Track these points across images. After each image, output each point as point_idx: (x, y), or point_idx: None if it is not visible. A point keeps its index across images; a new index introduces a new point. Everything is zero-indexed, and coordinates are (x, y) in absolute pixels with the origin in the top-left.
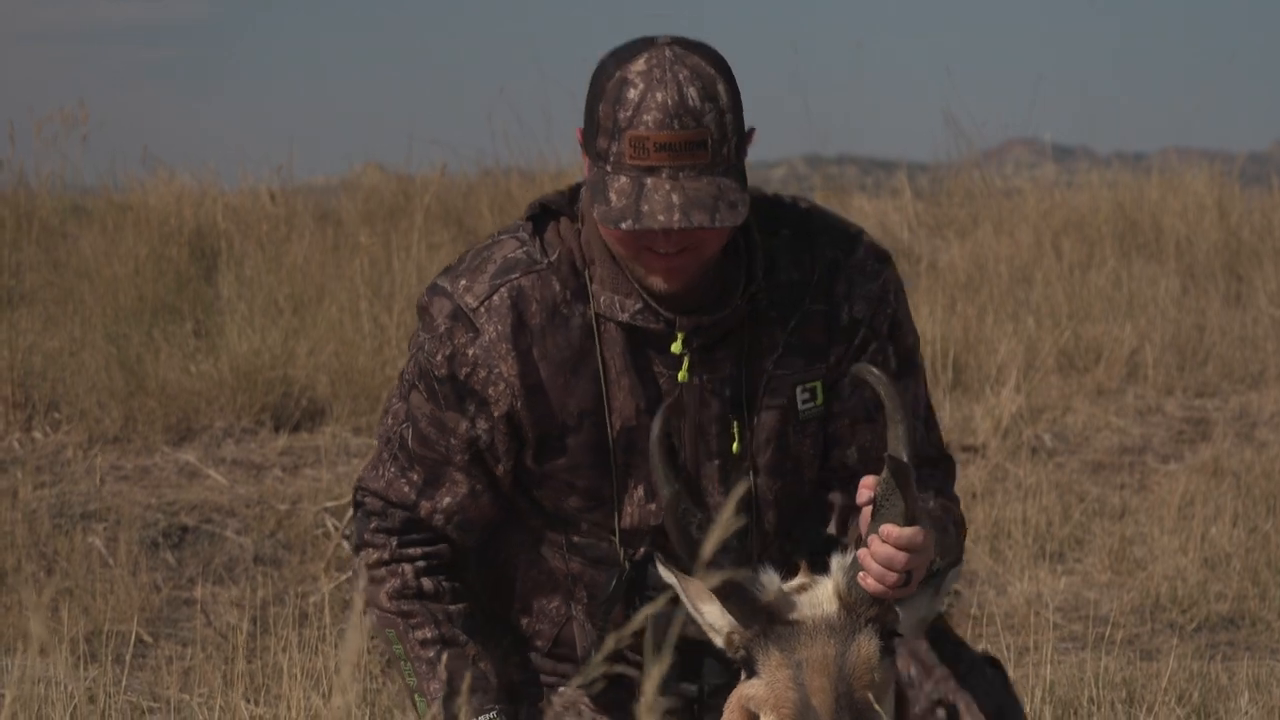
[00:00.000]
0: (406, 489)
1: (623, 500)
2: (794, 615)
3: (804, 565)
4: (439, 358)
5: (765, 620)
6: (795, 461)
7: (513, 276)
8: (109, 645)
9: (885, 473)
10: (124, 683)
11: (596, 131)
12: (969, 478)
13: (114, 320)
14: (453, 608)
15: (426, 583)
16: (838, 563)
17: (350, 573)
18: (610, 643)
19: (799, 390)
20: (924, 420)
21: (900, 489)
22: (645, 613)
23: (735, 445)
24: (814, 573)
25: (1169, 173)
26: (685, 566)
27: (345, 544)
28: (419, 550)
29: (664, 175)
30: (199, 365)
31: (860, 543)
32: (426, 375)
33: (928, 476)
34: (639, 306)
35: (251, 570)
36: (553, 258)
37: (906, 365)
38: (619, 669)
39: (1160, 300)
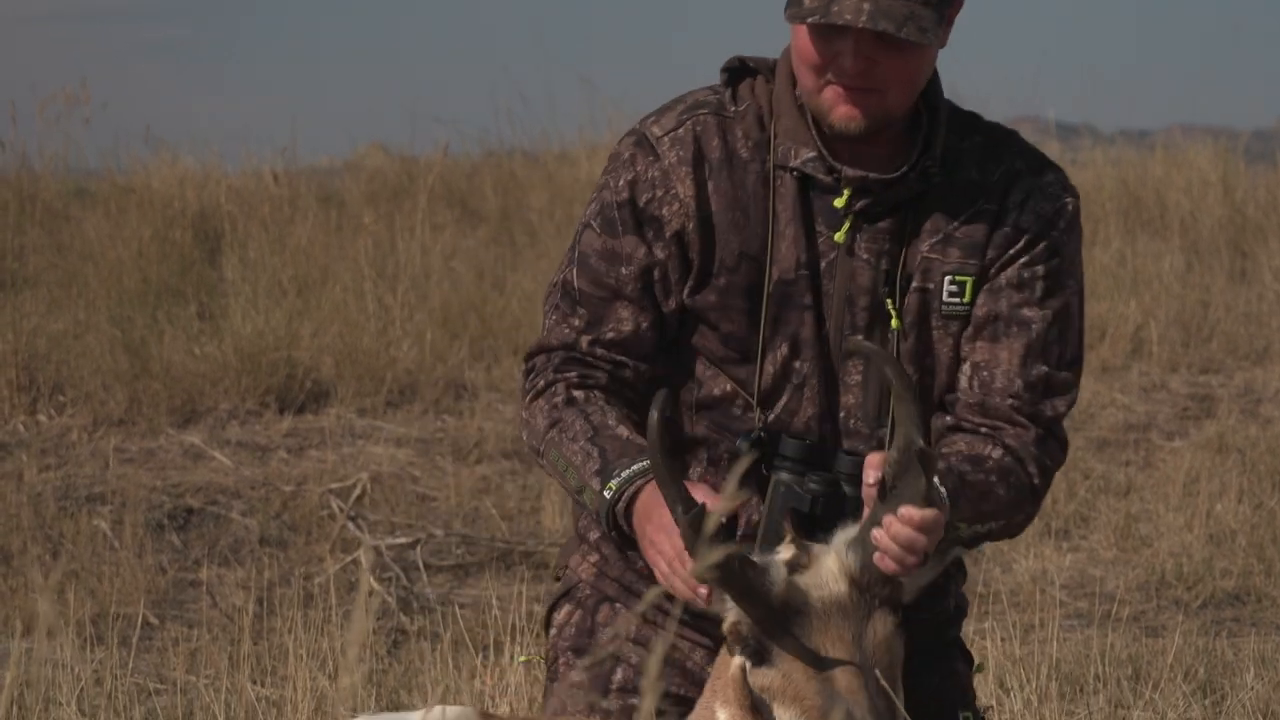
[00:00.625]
0: (568, 331)
1: (765, 354)
2: (804, 602)
3: (789, 531)
4: (620, 183)
5: (780, 615)
6: (933, 358)
7: (700, 113)
8: (115, 627)
9: (895, 453)
10: (130, 665)
11: None
12: None
13: (118, 303)
14: (604, 404)
15: (579, 394)
16: (842, 539)
17: (356, 554)
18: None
19: (947, 280)
20: (1048, 366)
21: (923, 471)
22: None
23: (894, 322)
24: (802, 539)
25: (1173, 149)
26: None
27: (350, 525)
28: (575, 374)
29: None
30: (203, 347)
31: (870, 521)
32: (606, 207)
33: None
34: (812, 154)
35: (257, 552)
36: (741, 108)
37: (1052, 296)
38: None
39: (1165, 277)
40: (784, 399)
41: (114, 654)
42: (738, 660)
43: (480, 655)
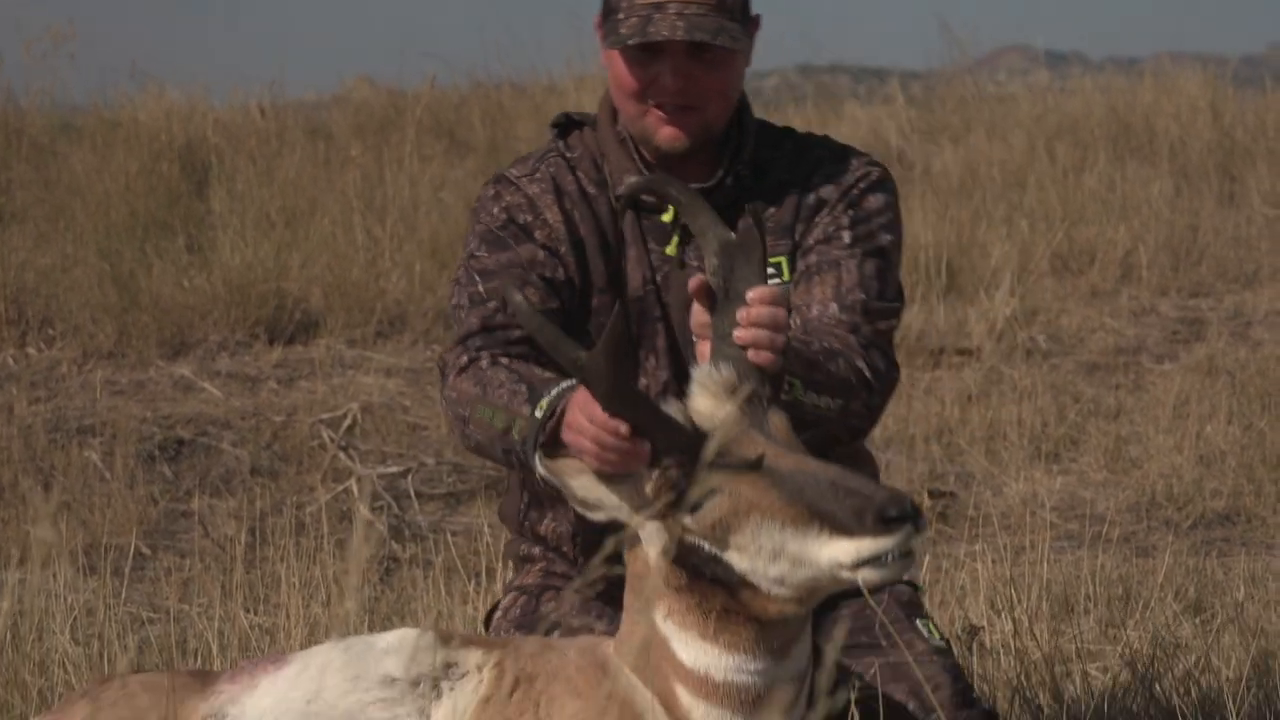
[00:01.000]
0: (476, 320)
1: (636, 370)
2: (707, 432)
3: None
4: (495, 210)
5: (697, 443)
6: None
7: (550, 157)
8: (108, 558)
9: (713, 258)
10: (123, 594)
11: None
12: (964, 380)
13: (106, 236)
14: (531, 364)
15: (503, 359)
16: (698, 373)
17: (348, 483)
18: (610, 545)
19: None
20: (865, 296)
21: (753, 237)
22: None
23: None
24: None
25: (1162, 76)
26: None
27: (341, 455)
28: (498, 348)
29: (671, 10)
30: (192, 280)
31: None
32: (487, 234)
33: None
34: (634, 179)
35: (248, 482)
36: (576, 154)
37: (861, 242)
38: (619, 570)
39: (1154, 202)
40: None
41: (107, 584)
42: (654, 550)
43: (472, 581)
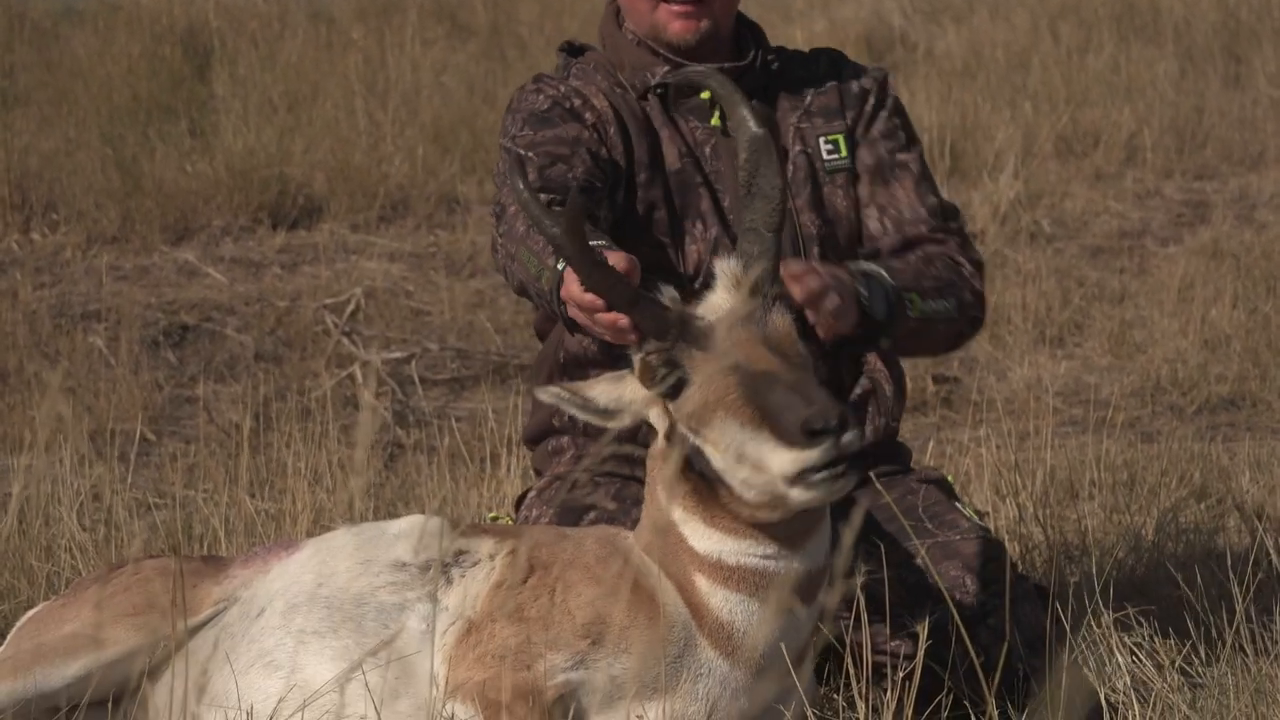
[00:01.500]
0: (533, 172)
1: (683, 238)
2: (702, 321)
3: (675, 294)
4: (539, 99)
5: (679, 328)
6: (831, 210)
7: (573, 64)
8: (114, 443)
9: (748, 139)
10: (129, 480)
11: None
12: None
13: (109, 120)
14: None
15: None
16: (722, 264)
17: (352, 369)
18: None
19: (822, 141)
20: (936, 196)
21: (765, 164)
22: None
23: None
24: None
25: None
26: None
27: (345, 340)
28: (547, 198)
29: None
30: (195, 164)
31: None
32: (529, 119)
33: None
34: (666, 68)
35: (253, 367)
36: (590, 66)
37: (913, 142)
38: (628, 448)
39: (1158, 83)
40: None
41: (113, 469)
42: (659, 441)
43: (477, 466)
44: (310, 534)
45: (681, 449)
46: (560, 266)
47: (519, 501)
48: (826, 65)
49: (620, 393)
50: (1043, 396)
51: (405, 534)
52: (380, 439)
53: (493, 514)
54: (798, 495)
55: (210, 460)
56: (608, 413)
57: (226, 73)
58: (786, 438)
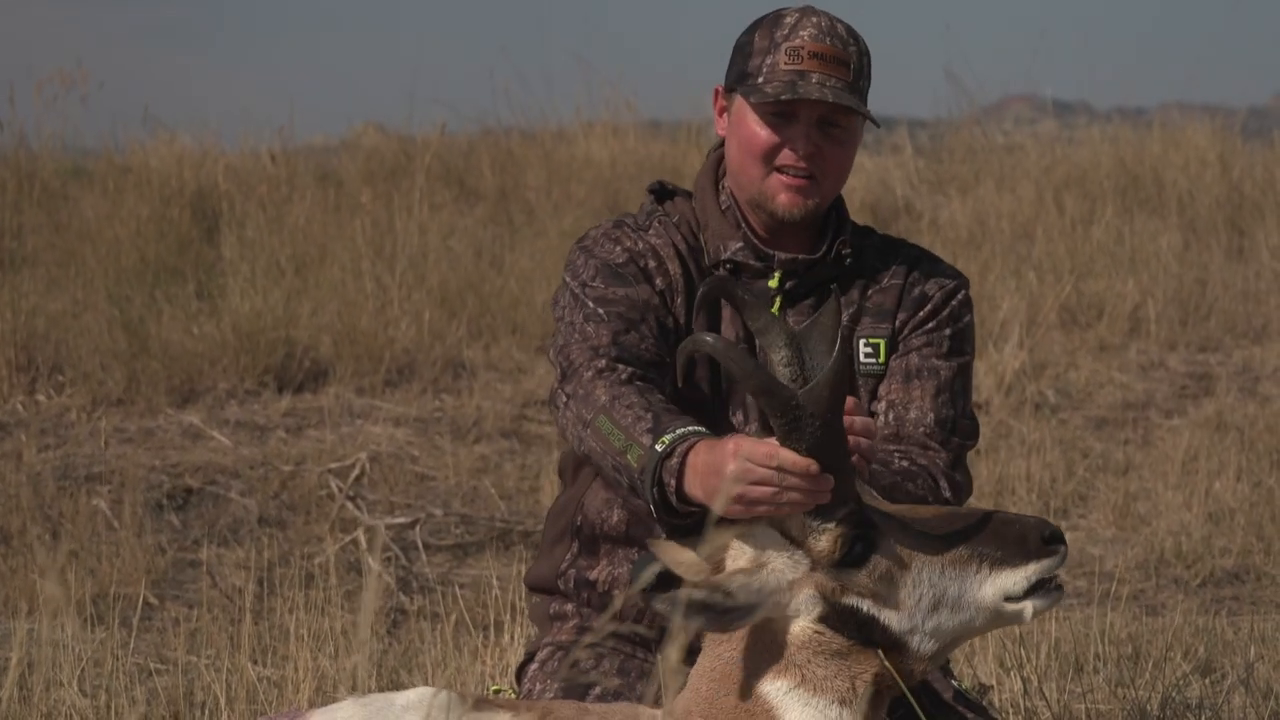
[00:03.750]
0: (607, 334)
1: (722, 427)
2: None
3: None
4: (615, 250)
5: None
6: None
7: (655, 215)
8: (116, 607)
9: (785, 338)
10: (131, 645)
11: (747, 57)
12: None
13: (116, 282)
14: (662, 395)
15: (639, 383)
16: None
17: (355, 534)
18: (618, 602)
19: (862, 344)
20: (954, 411)
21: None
22: (639, 585)
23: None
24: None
25: (1170, 127)
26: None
27: (349, 505)
28: (627, 369)
29: (814, 78)
30: (201, 326)
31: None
32: (603, 270)
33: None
34: (740, 245)
35: (256, 531)
36: (674, 219)
37: (957, 355)
38: (627, 628)
39: (1162, 255)
40: None
41: (115, 634)
42: (807, 619)
43: (480, 635)
44: (313, 702)
45: (838, 625)
46: (660, 448)
47: (519, 671)
48: (902, 261)
49: (762, 583)
50: None
51: (414, 706)
52: (384, 605)
53: (495, 686)
54: (1038, 604)
55: (213, 625)
56: (742, 611)
57: (234, 235)
58: (1013, 559)
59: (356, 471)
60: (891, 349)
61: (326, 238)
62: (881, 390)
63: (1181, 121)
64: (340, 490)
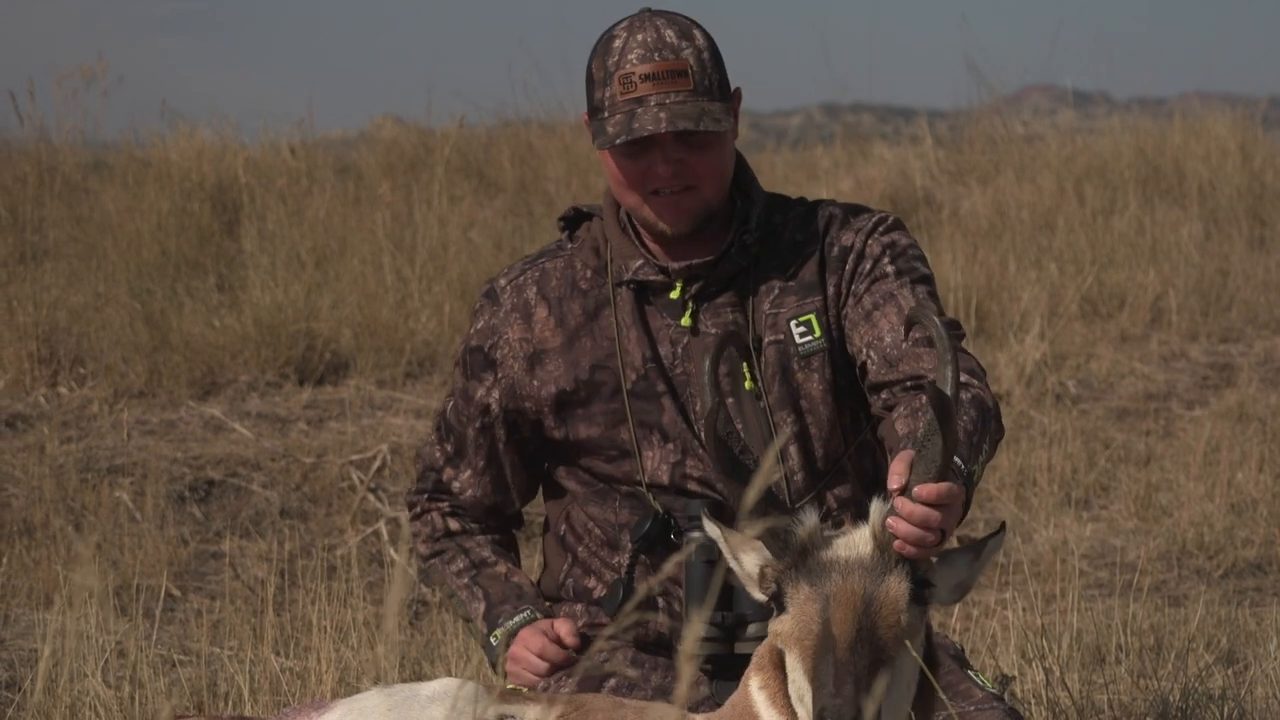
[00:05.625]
0: (438, 455)
1: (642, 450)
2: (828, 554)
3: (848, 518)
4: (472, 331)
5: (797, 554)
6: (807, 400)
7: (541, 261)
8: (139, 599)
9: (930, 414)
10: (154, 636)
11: (592, 89)
12: None
13: (137, 275)
14: (480, 538)
15: (453, 523)
16: (875, 507)
17: (377, 525)
18: (642, 590)
19: (793, 325)
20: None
21: (940, 426)
22: (675, 560)
23: (748, 383)
24: (858, 522)
25: (1191, 117)
26: (727, 502)
27: (371, 497)
28: (446, 504)
29: (652, 102)
30: (223, 319)
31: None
32: (464, 351)
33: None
34: (640, 263)
35: (278, 523)
36: (577, 245)
37: (905, 274)
38: (648, 615)
39: (1183, 245)
40: (668, 478)
41: (138, 625)
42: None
43: None
44: (335, 693)
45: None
46: (496, 640)
47: None
48: (819, 226)
49: (751, 568)
50: (1069, 559)
51: (439, 696)
52: (406, 597)
53: (511, 685)
54: None
55: (235, 617)
56: (748, 577)
57: (255, 228)
58: (807, 707)
59: (378, 463)
60: (825, 321)
61: (346, 230)
62: (856, 343)
63: (1202, 111)
64: (361, 482)
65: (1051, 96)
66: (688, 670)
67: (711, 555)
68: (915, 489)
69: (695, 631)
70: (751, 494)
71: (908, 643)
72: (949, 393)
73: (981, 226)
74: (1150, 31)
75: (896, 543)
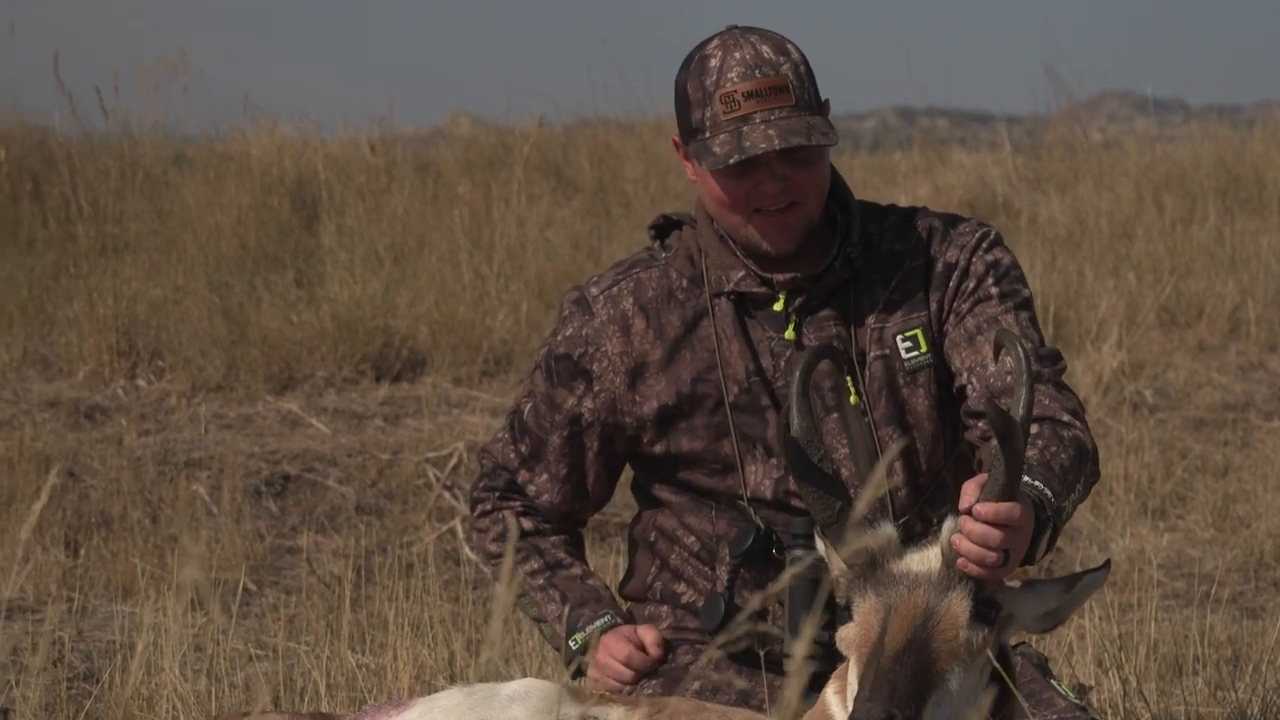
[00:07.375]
0: (512, 456)
1: (745, 461)
2: (898, 567)
3: (893, 534)
4: (559, 338)
5: (867, 564)
6: (913, 415)
7: (634, 270)
8: (216, 593)
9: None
10: (230, 630)
11: (689, 109)
12: None
13: (216, 269)
14: (554, 538)
15: (526, 522)
16: (946, 525)
17: (452, 523)
18: (755, 601)
19: (899, 340)
20: (1036, 355)
21: (1002, 447)
22: (790, 572)
23: (853, 398)
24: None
25: (1271, 126)
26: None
27: (446, 494)
28: (519, 503)
29: (758, 120)
30: (300, 315)
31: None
32: (549, 356)
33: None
34: (742, 274)
35: (354, 519)
36: (670, 254)
37: (1009, 297)
38: (761, 628)
39: (1263, 255)
40: (770, 493)
41: (215, 620)
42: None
43: None
44: (412, 691)
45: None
46: (576, 645)
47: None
48: (919, 238)
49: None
50: (1145, 569)
51: (519, 697)
52: (480, 595)
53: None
54: None
55: (311, 612)
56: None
57: (333, 224)
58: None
59: (454, 461)
60: (931, 336)
61: (425, 227)
62: (956, 364)
63: None
64: (437, 479)
65: (1127, 103)
66: (796, 682)
67: (816, 574)
68: (976, 507)
69: (806, 643)
70: (860, 507)
71: (988, 655)
72: (1020, 415)
73: (1060, 234)
74: (1227, 36)
75: (960, 560)
